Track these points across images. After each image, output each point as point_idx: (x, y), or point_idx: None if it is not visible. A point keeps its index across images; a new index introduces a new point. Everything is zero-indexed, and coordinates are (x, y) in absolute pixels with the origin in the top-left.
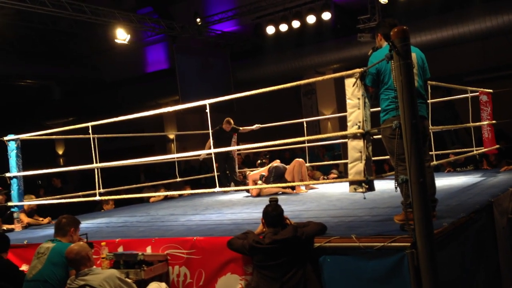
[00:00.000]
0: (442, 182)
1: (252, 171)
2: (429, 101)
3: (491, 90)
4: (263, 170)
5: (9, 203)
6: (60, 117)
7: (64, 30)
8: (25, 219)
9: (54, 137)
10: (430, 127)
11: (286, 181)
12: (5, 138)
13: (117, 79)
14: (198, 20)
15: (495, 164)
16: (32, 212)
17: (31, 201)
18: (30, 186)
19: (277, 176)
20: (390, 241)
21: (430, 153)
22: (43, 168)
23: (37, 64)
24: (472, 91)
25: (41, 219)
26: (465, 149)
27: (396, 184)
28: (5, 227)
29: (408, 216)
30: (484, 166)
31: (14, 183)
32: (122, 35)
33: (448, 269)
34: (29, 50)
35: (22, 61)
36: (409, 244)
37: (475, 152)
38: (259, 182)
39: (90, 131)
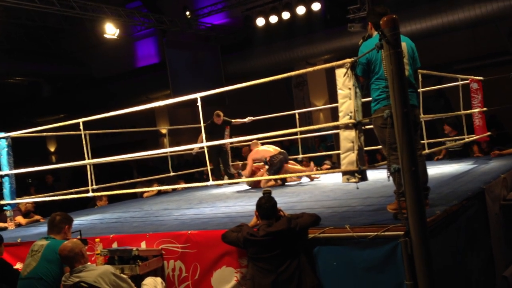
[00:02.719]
0: (434, 170)
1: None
2: (420, 90)
3: (481, 78)
4: (267, 153)
5: (1, 202)
6: (50, 114)
7: (52, 27)
8: (22, 220)
9: (45, 134)
10: (422, 115)
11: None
12: None
13: (107, 74)
14: (187, 13)
15: (487, 151)
16: (28, 212)
17: (24, 200)
18: (20, 185)
19: (276, 165)
20: (383, 230)
21: (422, 141)
22: (34, 166)
23: (25, 61)
24: (462, 79)
25: (37, 217)
26: (457, 137)
27: (389, 173)
28: None
29: (401, 205)
30: (476, 153)
31: (5, 181)
32: (111, 30)
33: (442, 257)
34: (17, 48)
35: (11, 59)
36: (403, 232)
37: (466, 139)
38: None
39: (81, 127)
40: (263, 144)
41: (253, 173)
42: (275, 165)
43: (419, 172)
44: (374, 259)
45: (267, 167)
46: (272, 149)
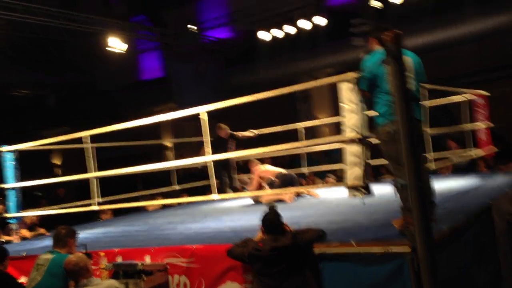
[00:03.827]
0: (440, 185)
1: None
2: (425, 104)
3: (487, 93)
4: (271, 172)
5: (6, 215)
6: (55, 125)
7: (56, 40)
8: (27, 233)
9: (50, 147)
10: (427, 130)
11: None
12: (1, 149)
13: (111, 87)
14: (191, 27)
15: (492, 167)
16: (33, 226)
17: (29, 213)
18: (29, 198)
19: (283, 185)
20: (390, 246)
21: (427, 156)
22: (39, 178)
23: (30, 72)
24: (468, 94)
25: (42, 230)
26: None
27: (395, 189)
28: (3, 238)
29: (407, 221)
30: (482, 168)
31: (11, 194)
32: (115, 44)
33: (449, 273)
34: (22, 58)
35: (16, 69)
36: (409, 248)
37: (472, 154)
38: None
39: (88, 140)
40: (262, 160)
41: (259, 189)
42: (282, 183)
43: (425, 187)
44: (380, 275)
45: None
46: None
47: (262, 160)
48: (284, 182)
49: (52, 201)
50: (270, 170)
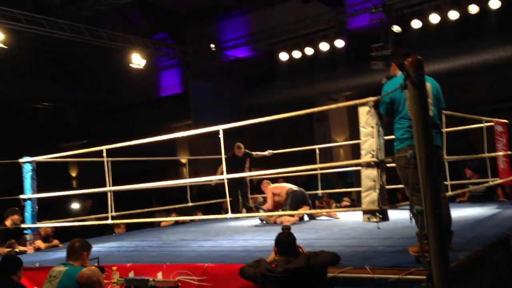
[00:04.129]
0: (458, 213)
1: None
2: (444, 130)
3: (506, 121)
4: (283, 188)
5: (22, 225)
6: (74, 140)
7: (81, 55)
8: (42, 245)
9: (68, 160)
10: (445, 156)
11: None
12: (21, 160)
13: (131, 102)
14: (212, 46)
15: (511, 196)
16: (48, 237)
17: (45, 224)
18: (44, 209)
19: (294, 202)
20: (405, 273)
21: (445, 183)
22: (56, 190)
23: (53, 87)
24: (487, 121)
25: (56, 241)
26: (481, 180)
27: (411, 215)
28: (18, 249)
29: (423, 248)
30: (500, 197)
31: (28, 205)
32: (137, 60)
33: None
34: (46, 73)
35: (39, 84)
36: (425, 277)
37: (490, 183)
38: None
39: (104, 154)
40: (274, 180)
41: (274, 208)
42: (287, 197)
43: (443, 215)
44: None
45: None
46: (288, 186)
47: (276, 181)
48: (294, 199)
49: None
50: (282, 186)
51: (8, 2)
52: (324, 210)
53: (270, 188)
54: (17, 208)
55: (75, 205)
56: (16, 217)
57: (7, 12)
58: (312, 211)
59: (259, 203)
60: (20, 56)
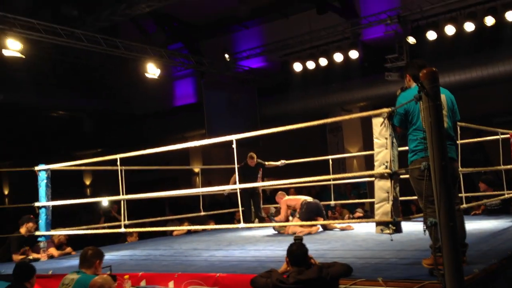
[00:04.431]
0: (472, 226)
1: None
2: (459, 142)
3: None
4: (297, 200)
5: (36, 233)
6: (89, 148)
7: (97, 65)
8: (55, 252)
9: (83, 168)
10: (460, 169)
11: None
12: (36, 168)
13: (146, 112)
14: (226, 56)
15: None
16: (61, 245)
17: (59, 232)
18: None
19: (308, 213)
20: (418, 286)
21: (460, 195)
22: (71, 198)
23: (70, 96)
24: (502, 133)
25: (69, 249)
26: (497, 192)
27: (425, 227)
28: (31, 256)
29: (437, 261)
30: None
31: (42, 212)
32: (152, 70)
33: None
34: (62, 83)
35: (56, 93)
36: None
37: (506, 195)
38: (290, 218)
39: (118, 163)
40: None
41: (287, 220)
42: (302, 208)
43: (457, 228)
44: None
45: (297, 216)
46: (302, 198)
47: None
48: (309, 210)
49: (107, 219)
50: (296, 198)
51: (26, 12)
52: (337, 221)
53: (285, 200)
54: (32, 216)
55: (105, 202)
56: (30, 224)
57: (26, 22)
58: (326, 222)
59: (271, 214)
60: (38, 66)
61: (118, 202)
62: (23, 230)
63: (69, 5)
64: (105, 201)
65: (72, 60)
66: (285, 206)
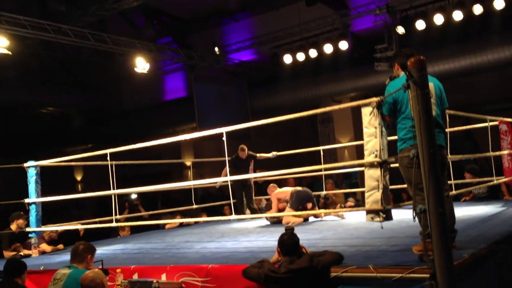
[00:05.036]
0: (462, 212)
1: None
2: (448, 130)
3: (511, 120)
4: (287, 192)
5: (27, 229)
6: (79, 144)
7: (85, 60)
8: (47, 248)
9: (73, 164)
10: (449, 156)
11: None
12: (25, 165)
13: (136, 107)
14: (216, 49)
15: None
16: (52, 240)
17: (50, 228)
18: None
19: (298, 201)
20: (408, 272)
21: (449, 182)
22: (61, 194)
23: (58, 92)
24: (491, 120)
25: (60, 246)
26: (485, 179)
27: (414, 214)
28: (22, 252)
29: (427, 247)
30: (506, 196)
31: (32, 209)
32: (142, 64)
33: None
34: (51, 79)
35: (44, 89)
36: (428, 275)
37: (495, 182)
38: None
39: (108, 158)
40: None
41: (278, 211)
42: (292, 197)
43: (446, 214)
44: None
45: (289, 205)
46: (292, 188)
47: (285, 182)
48: (299, 198)
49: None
50: (286, 190)
51: (13, 9)
52: (328, 210)
53: (275, 194)
54: (22, 213)
55: (133, 195)
56: (21, 221)
57: (12, 19)
58: (317, 211)
59: (262, 207)
60: (25, 62)
61: (141, 196)
62: (13, 226)
63: (56, 0)
64: (133, 194)
65: (60, 56)
66: (275, 199)
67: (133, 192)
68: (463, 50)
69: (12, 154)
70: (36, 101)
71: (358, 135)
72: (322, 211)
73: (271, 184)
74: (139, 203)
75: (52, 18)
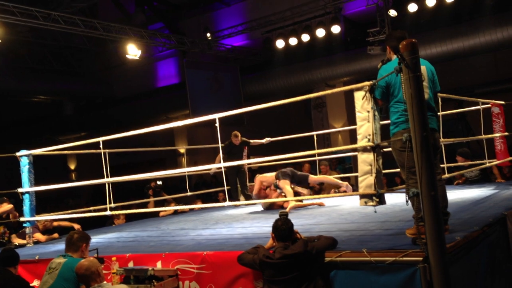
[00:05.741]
0: (454, 195)
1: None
2: (440, 113)
3: (503, 102)
4: (271, 177)
5: (21, 219)
6: (72, 132)
7: (76, 47)
8: (42, 237)
9: (66, 152)
10: (441, 139)
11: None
12: (18, 154)
13: (128, 94)
14: (208, 35)
15: (508, 177)
16: (47, 230)
17: (44, 217)
18: (43, 202)
19: (284, 175)
20: (402, 255)
21: (442, 165)
22: (55, 183)
23: (49, 80)
24: (483, 103)
25: (55, 235)
26: (478, 161)
27: (407, 198)
28: (17, 242)
29: (420, 230)
30: (498, 178)
31: (26, 198)
32: (133, 51)
33: (462, 284)
34: (41, 66)
35: (35, 77)
36: (421, 258)
37: (487, 164)
38: (278, 191)
39: (101, 146)
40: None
41: (259, 192)
42: (277, 178)
43: (439, 197)
44: (392, 285)
45: (278, 191)
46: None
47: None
48: (284, 174)
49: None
50: (270, 175)
51: None
52: (323, 195)
53: (259, 177)
54: (5, 198)
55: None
56: (6, 205)
57: (1, 5)
58: (311, 197)
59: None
60: (15, 50)
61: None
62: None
63: None
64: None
65: (50, 43)
66: (259, 182)
67: (127, 180)
68: (455, 33)
69: (3, 143)
70: (27, 90)
71: (352, 120)
72: (317, 196)
73: (259, 175)
74: (161, 189)
75: (41, 4)
